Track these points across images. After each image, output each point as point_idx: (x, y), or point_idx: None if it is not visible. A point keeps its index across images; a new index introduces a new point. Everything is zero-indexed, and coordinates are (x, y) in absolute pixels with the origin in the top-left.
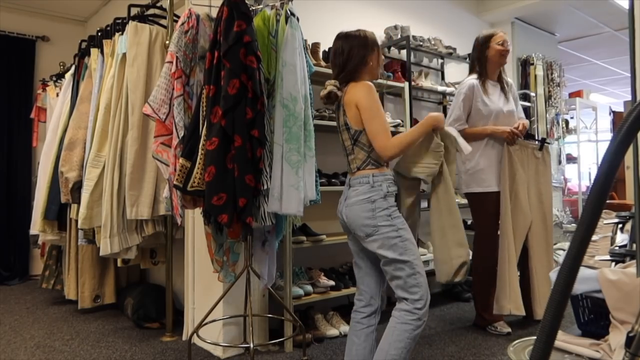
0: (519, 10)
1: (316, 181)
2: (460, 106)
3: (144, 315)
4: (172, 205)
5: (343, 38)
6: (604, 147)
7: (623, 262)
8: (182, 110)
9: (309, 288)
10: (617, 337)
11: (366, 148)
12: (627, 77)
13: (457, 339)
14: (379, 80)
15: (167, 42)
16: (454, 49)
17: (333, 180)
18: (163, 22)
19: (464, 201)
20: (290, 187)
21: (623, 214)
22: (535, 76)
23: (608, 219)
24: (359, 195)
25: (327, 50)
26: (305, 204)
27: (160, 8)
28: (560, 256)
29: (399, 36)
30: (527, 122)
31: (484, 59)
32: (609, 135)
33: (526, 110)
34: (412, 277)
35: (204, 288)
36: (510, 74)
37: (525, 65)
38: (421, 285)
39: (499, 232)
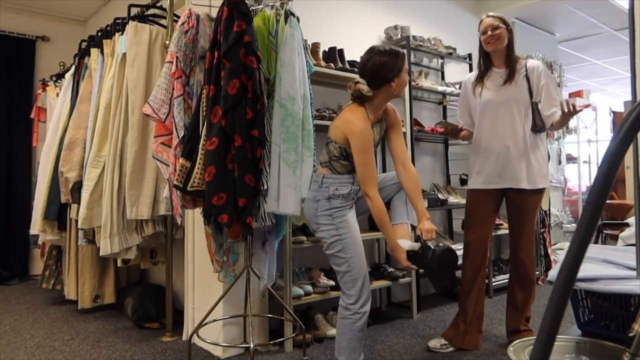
0: (519, 10)
1: None
2: (459, 106)
3: (144, 315)
4: (172, 205)
5: None
6: (604, 147)
7: None
8: (182, 110)
9: (309, 288)
10: None
11: (331, 155)
12: (627, 77)
13: None
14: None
15: (167, 42)
16: (454, 49)
17: None
18: (163, 22)
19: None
20: (288, 187)
21: None
22: None
23: None
24: (310, 194)
25: (327, 50)
26: (303, 204)
27: (160, 8)
28: (560, 256)
29: (399, 36)
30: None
31: (480, 48)
32: (609, 135)
33: None
34: (347, 274)
35: (204, 288)
36: None
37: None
38: (356, 282)
39: None
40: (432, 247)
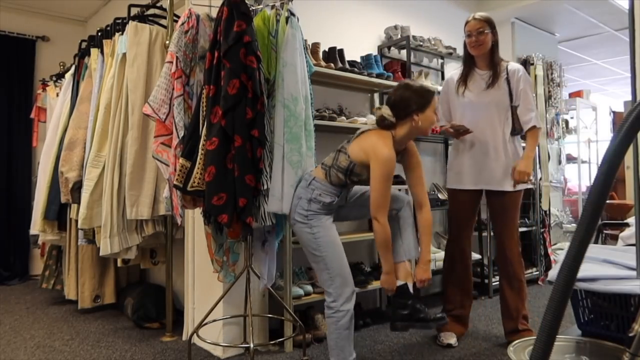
0: (519, 10)
1: None
2: (440, 102)
3: (144, 315)
4: (172, 205)
5: None
6: (604, 147)
7: None
8: (182, 110)
9: (309, 288)
10: None
11: (336, 163)
12: (627, 77)
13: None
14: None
15: (167, 42)
16: (454, 49)
17: None
18: (163, 22)
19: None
20: (291, 188)
21: None
22: (535, 76)
23: None
24: (297, 189)
25: (327, 50)
26: None
27: (160, 8)
28: (560, 256)
29: (399, 36)
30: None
31: (464, 48)
32: (609, 135)
33: None
34: (324, 272)
35: (204, 288)
36: None
37: (525, 65)
38: (334, 280)
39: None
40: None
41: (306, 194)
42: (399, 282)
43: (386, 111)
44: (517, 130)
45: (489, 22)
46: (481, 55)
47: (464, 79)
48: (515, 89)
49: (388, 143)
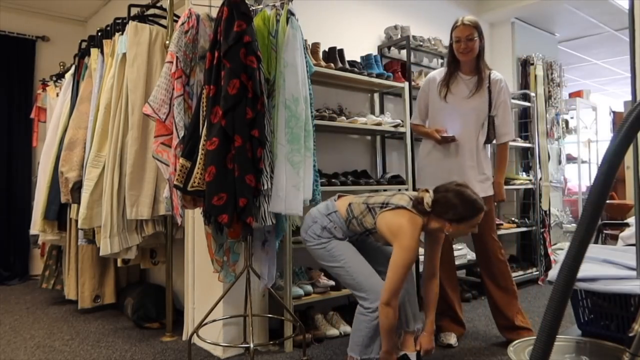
0: (519, 10)
1: (317, 181)
2: (418, 100)
3: (144, 315)
4: (172, 205)
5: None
6: (604, 147)
7: None
8: (182, 110)
9: (309, 288)
10: None
11: (361, 218)
12: (627, 77)
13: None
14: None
15: (167, 42)
16: None
17: (333, 180)
18: (163, 22)
19: None
20: (292, 188)
21: None
22: (535, 76)
23: None
24: (315, 210)
25: (327, 50)
26: (304, 205)
27: (160, 8)
28: (560, 256)
29: (399, 36)
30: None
31: (450, 51)
32: (609, 135)
33: (526, 110)
34: (351, 280)
35: (204, 288)
36: (510, 74)
37: (525, 65)
38: (362, 284)
39: None
40: None
41: (322, 221)
42: (400, 353)
43: (428, 199)
44: (490, 139)
45: (477, 28)
46: (468, 60)
47: (447, 82)
48: (496, 99)
49: (415, 234)
